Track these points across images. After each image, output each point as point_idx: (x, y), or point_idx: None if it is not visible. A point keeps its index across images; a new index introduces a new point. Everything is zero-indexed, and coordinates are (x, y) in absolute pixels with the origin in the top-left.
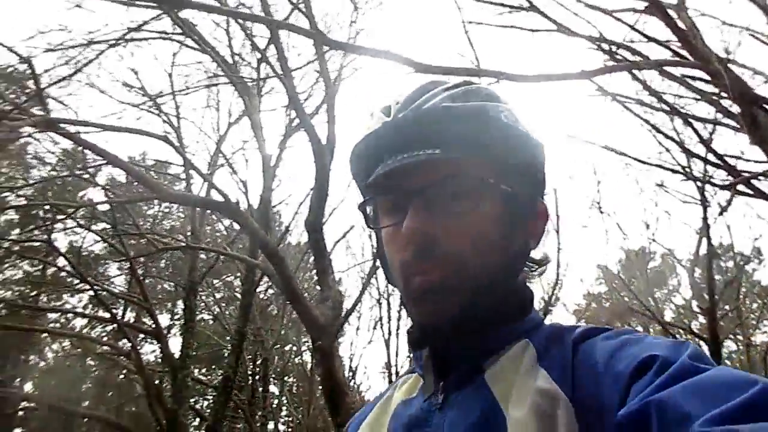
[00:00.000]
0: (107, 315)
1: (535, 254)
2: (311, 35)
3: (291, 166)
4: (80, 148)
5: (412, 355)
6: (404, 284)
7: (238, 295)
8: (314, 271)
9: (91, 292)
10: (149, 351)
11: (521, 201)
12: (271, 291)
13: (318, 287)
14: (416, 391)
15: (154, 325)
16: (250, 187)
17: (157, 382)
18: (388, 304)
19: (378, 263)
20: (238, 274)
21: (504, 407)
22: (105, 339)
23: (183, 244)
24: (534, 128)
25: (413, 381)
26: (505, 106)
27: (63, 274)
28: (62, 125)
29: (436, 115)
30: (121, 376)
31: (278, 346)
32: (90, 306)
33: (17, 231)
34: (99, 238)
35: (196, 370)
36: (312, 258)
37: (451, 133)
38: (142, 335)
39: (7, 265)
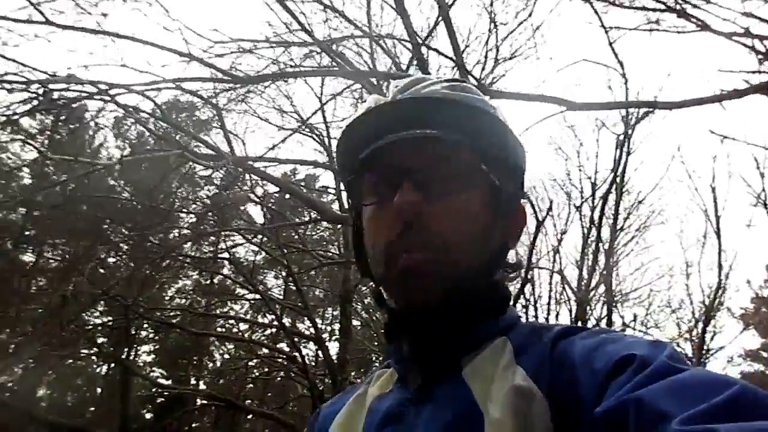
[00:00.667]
0: (267, 320)
1: (511, 256)
2: (454, 62)
3: None
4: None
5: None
6: (386, 265)
7: None
8: None
9: (251, 300)
10: (305, 354)
11: (506, 196)
12: None
13: None
14: (391, 385)
15: (313, 331)
16: None
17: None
18: (535, 308)
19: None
20: None
21: (482, 405)
22: (265, 342)
23: (343, 260)
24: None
25: (388, 375)
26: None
27: (228, 282)
28: (249, 162)
29: (436, 100)
30: (278, 378)
31: None
32: (250, 312)
33: (189, 244)
34: (259, 249)
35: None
36: None
37: (449, 118)
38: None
39: (181, 275)
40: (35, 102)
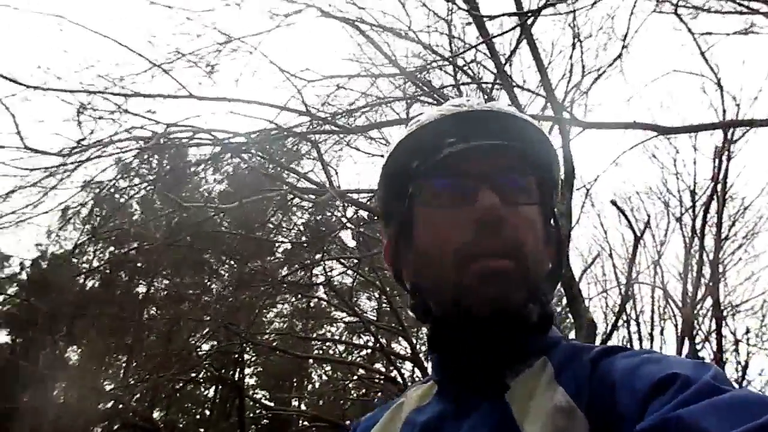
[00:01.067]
0: (363, 341)
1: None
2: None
3: None
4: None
5: (429, 358)
6: (458, 268)
7: None
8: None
9: (347, 322)
10: (403, 374)
11: (556, 217)
12: None
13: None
14: (430, 397)
15: (410, 350)
16: None
17: None
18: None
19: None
20: None
21: (520, 423)
22: (362, 363)
23: None
24: None
25: (428, 387)
26: None
27: (324, 305)
28: (348, 194)
29: (510, 114)
30: (376, 399)
31: None
32: (346, 333)
33: (285, 269)
34: (350, 272)
35: None
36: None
37: (521, 133)
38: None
39: (278, 299)
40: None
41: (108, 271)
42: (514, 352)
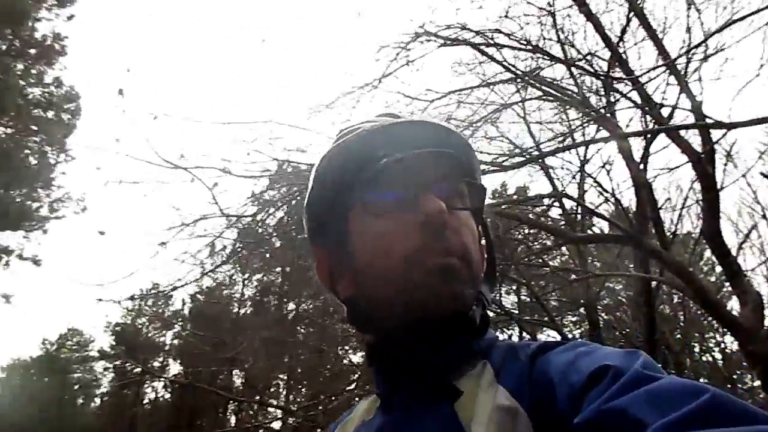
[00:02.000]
0: (505, 337)
1: None
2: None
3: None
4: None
5: (373, 369)
6: (407, 271)
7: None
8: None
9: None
10: None
11: (481, 224)
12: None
13: (731, 289)
14: (374, 411)
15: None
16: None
17: None
18: None
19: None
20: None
21: (466, 426)
22: None
23: (588, 275)
24: None
25: (372, 402)
26: None
27: None
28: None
29: (434, 125)
30: None
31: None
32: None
33: None
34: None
35: None
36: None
37: (450, 141)
38: None
39: None
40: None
41: (258, 297)
42: (460, 355)
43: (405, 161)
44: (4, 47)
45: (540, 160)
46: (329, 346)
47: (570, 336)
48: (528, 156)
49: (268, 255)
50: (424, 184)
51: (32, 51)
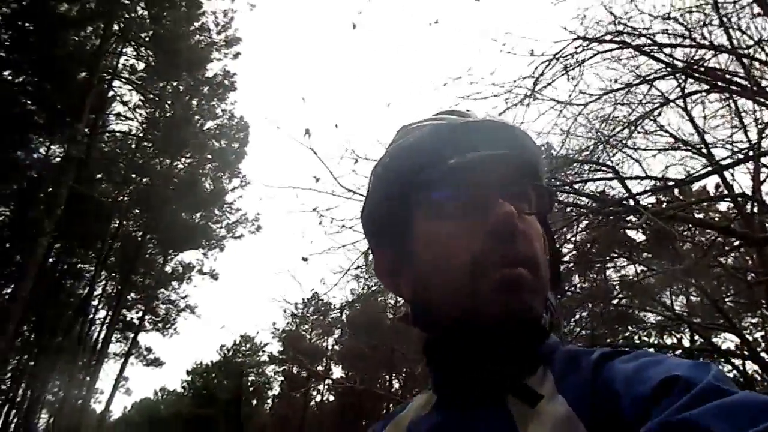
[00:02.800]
0: (673, 341)
1: None
2: None
3: None
4: None
5: (429, 368)
6: (475, 279)
7: None
8: None
9: (653, 322)
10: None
11: (545, 228)
12: None
13: None
14: (430, 407)
15: (740, 345)
16: None
17: None
18: None
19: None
20: None
21: None
22: None
23: None
24: None
25: (427, 397)
26: None
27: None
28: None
29: (506, 125)
30: None
31: None
32: (654, 333)
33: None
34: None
35: None
36: None
37: (521, 143)
38: None
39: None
40: None
41: None
42: (522, 361)
43: (473, 162)
44: (181, 88)
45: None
46: None
47: (750, 339)
48: (713, 166)
49: None
50: (493, 186)
51: (205, 89)
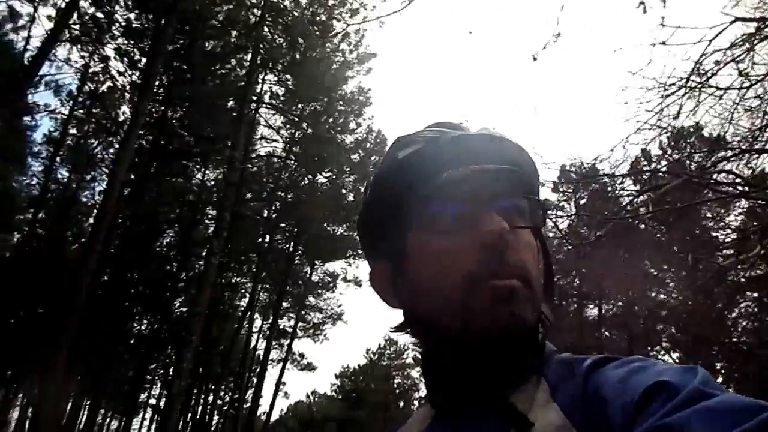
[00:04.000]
0: None
1: None
2: None
3: None
4: None
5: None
6: (467, 293)
7: None
8: None
9: None
10: None
11: (540, 241)
12: None
13: None
14: (429, 420)
15: None
16: None
17: None
18: None
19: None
20: None
21: None
22: None
23: None
24: None
25: (426, 411)
26: None
27: None
28: None
29: (501, 139)
30: None
31: None
32: None
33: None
34: None
35: None
36: None
37: (514, 157)
38: None
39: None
40: None
41: (558, 301)
42: (515, 372)
43: (465, 177)
44: (319, 108)
45: None
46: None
47: None
48: None
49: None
50: (485, 201)
51: (342, 106)
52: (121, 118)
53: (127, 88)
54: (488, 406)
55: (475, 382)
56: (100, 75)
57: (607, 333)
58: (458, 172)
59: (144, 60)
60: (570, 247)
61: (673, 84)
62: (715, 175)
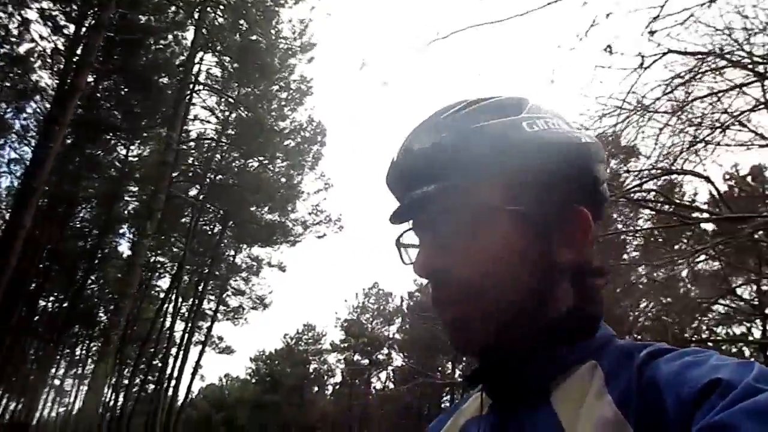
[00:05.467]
0: None
1: (581, 260)
2: None
3: None
4: None
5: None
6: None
7: None
8: None
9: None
10: None
11: (541, 215)
12: None
13: None
14: (486, 407)
15: None
16: None
17: None
18: None
19: None
20: None
21: None
22: None
23: None
24: (573, 131)
25: (485, 397)
26: (525, 116)
27: None
28: None
29: (426, 151)
30: None
31: None
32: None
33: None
34: None
35: None
36: None
37: (446, 166)
38: None
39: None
40: None
41: None
42: (546, 364)
43: (402, 210)
44: (258, 92)
45: None
46: None
47: None
48: None
49: None
50: (424, 227)
51: (282, 93)
52: (43, 84)
53: (49, 52)
54: (533, 397)
55: (506, 377)
56: (19, 37)
57: None
58: (395, 211)
59: (72, 27)
60: None
61: (613, 105)
62: (644, 194)
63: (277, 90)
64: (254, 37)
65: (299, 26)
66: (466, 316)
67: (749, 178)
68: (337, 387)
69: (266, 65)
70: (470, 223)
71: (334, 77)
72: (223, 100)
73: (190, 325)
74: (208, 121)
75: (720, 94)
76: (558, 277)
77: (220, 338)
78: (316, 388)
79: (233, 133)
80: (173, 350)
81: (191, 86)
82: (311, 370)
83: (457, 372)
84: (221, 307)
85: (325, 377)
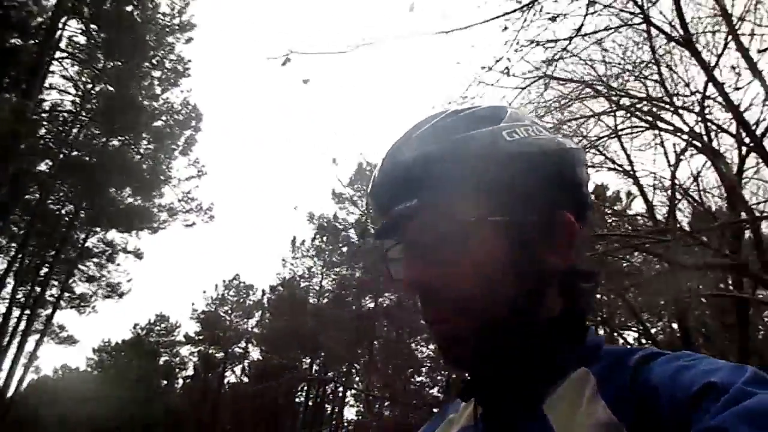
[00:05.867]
0: None
1: (568, 264)
2: None
3: None
4: None
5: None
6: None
7: None
8: None
9: None
10: None
11: (525, 223)
12: None
13: None
14: (477, 417)
15: None
16: None
17: None
18: None
19: None
20: None
21: None
22: None
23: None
24: (552, 137)
25: (475, 406)
26: (504, 125)
27: None
28: None
29: (407, 165)
30: None
31: None
32: None
33: None
34: None
35: None
36: None
37: (427, 179)
38: None
39: None
40: None
41: (340, 291)
42: (536, 373)
43: (384, 228)
44: (127, 67)
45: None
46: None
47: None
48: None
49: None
50: (408, 245)
51: (157, 74)
52: None
53: None
54: (525, 405)
55: (496, 387)
56: None
57: (378, 323)
58: (379, 231)
59: None
60: None
61: None
62: None
63: (149, 67)
64: (129, 8)
65: (180, 2)
66: (456, 334)
67: (593, 197)
68: (188, 381)
69: (139, 39)
70: (453, 237)
71: (235, 67)
72: (86, 71)
73: (28, 312)
74: (67, 92)
75: (580, 120)
76: (546, 284)
77: (62, 327)
78: (165, 382)
79: (95, 107)
80: (5, 340)
81: (51, 52)
82: (161, 363)
83: (315, 367)
84: (66, 294)
85: (177, 370)
